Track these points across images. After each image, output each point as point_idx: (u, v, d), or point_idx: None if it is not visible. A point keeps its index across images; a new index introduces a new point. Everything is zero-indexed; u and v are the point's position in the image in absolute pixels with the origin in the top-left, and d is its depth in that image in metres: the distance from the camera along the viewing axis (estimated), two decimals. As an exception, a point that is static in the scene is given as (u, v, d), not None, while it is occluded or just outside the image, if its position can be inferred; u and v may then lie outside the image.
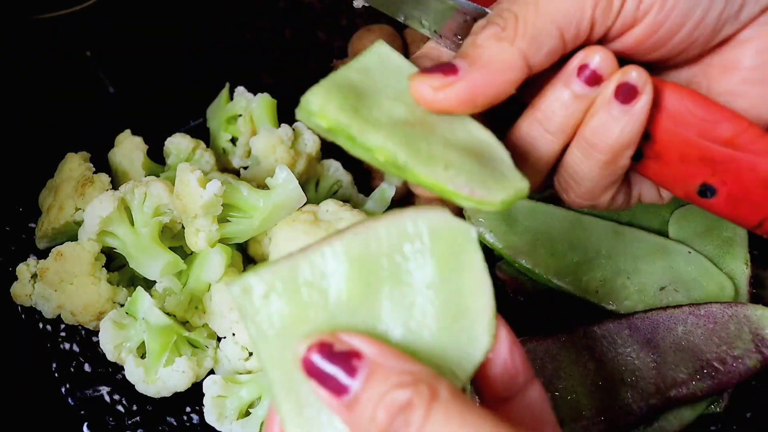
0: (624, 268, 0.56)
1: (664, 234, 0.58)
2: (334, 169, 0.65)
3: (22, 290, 0.57)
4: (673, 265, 0.56)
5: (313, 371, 0.27)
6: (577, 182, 0.39)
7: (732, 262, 0.57)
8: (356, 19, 0.87)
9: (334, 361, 0.27)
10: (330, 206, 0.56)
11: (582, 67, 0.35)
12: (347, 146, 0.32)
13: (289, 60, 0.81)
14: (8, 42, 0.71)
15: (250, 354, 0.55)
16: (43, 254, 0.59)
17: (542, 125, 0.37)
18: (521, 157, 0.38)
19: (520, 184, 0.32)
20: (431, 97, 0.34)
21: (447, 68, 0.34)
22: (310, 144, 0.63)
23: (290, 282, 0.28)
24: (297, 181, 0.55)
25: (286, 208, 0.55)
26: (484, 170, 0.32)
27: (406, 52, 0.76)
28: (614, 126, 0.35)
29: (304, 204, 0.56)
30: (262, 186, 0.58)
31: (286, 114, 0.67)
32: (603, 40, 0.37)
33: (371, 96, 0.34)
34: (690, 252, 0.56)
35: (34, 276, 0.57)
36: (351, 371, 0.27)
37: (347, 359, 0.27)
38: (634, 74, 0.35)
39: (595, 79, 0.35)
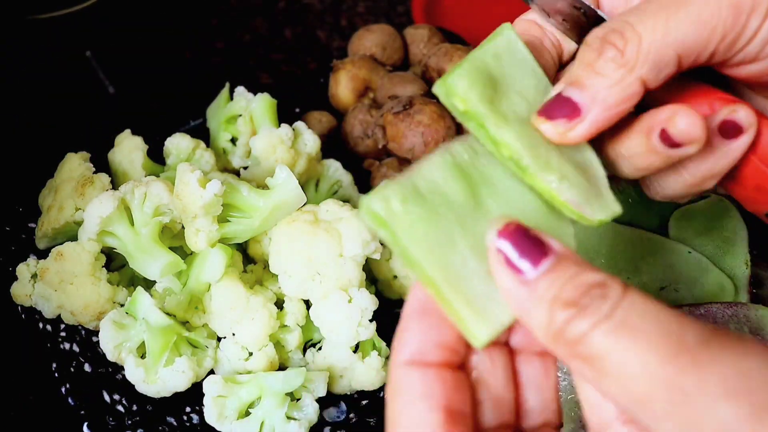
0: (624, 268, 0.56)
1: (664, 234, 0.58)
2: (334, 169, 0.65)
3: (22, 290, 0.57)
4: (673, 264, 0.56)
5: (502, 245, 0.28)
6: (663, 188, 0.39)
7: (732, 262, 0.57)
8: (356, 19, 0.87)
9: (527, 240, 0.28)
10: (330, 206, 0.57)
11: (663, 133, 0.34)
12: (477, 133, 0.34)
13: (289, 60, 0.81)
14: (8, 42, 0.71)
15: (250, 354, 0.55)
16: (43, 254, 0.59)
17: (629, 161, 0.37)
18: (613, 168, 0.39)
19: (615, 207, 0.34)
20: (558, 138, 0.35)
21: (569, 111, 0.34)
22: (310, 144, 0.63)
23: (415, 191, 0.31)
24: (297, 181, 0.55)
25: (286, 208, 0.55)
26: (590, 187, 0.34)
27: (406, 51, 0.76)
28: (710, 157, 0.36)
29: (304, 204, 0.56)
30: (262, 186, 0.58)
31: (286, 114, 0.67)
32: (714, 65, 0.37)
33: (502, 87, 0.36)
34: (690, 252, 0.56)
35: (34, 276, 0.57)
36: (541, 254, 0.28)
37: (539, 243, 0.28)
38: (742, 114, 0.35)
39: (674, 144, 0.35)
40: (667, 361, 0.24)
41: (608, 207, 0.34)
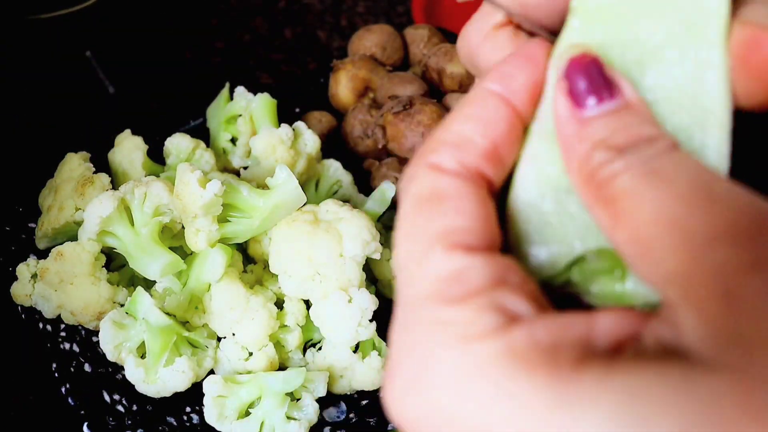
0: (623, 266, 0.56)
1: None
2: (334, 169, 0.65)
3: (22, 290, 0.57)
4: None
5: (571, 73, 0.27)
6: None
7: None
8: (356, 19, 0.87)
9: (598, 76, 0.26)
10: (330, 206, 0.57)
11: None
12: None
13: (289, 60, 0.81)
14: (8, 42, 0.71)
15: (250, 354, 0.55)
16: (43, 254, 0.59)
17: None
18: None
19: None
20: None
21: None
22: (310, 144, 0.63)
23: None
24: (297, 181, 0.55)
25: (286, 208, 0.55)
26: None
27: (406, 51, 0.76)
28: None
29: (304, 204, 0.56)
30: (262, 186, 0.58)
31: (286, 114, 0.67)
32: None
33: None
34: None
35: (34, 276, 0.57)
36: (608, 94, 0.26)
37: (610, 83, 0.26)
38: None
39: None
40: (680, 203, 0.22)
41: None
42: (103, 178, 0.59)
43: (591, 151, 0.25)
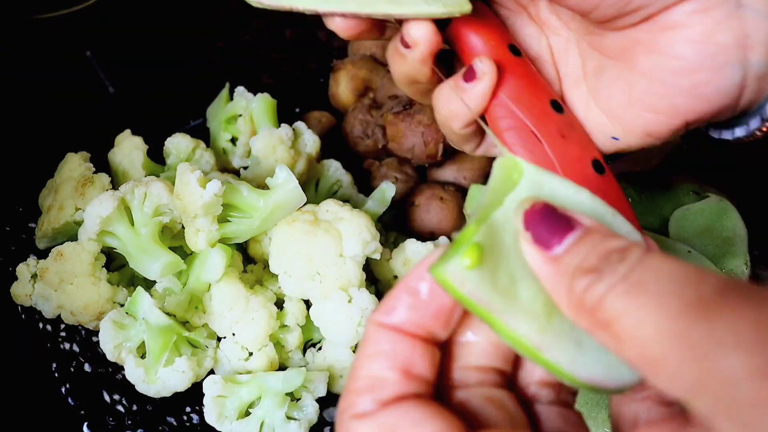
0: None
1: (664, 234, 0.58)
2: (334, 169, 0.65)
3: (22, 290, 0.57)
4: (673, 265, 0.56)
5: (530, 223, 0.28)
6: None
7: (732, 262, 0.57)
8: (356, 19, 0.87)
9: (554, 218, 0.28)
10: (330, 206, 0.56)
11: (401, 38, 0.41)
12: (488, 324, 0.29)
13: (289, 60, 0.81)
14: (8, 42, 0.71)
15: (250, 354, 0.55)
16: (43, 254, 0.59)
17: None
18: None
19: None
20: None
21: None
22: (310, 144, 0.63)
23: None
24: (297, 181, 0.55)
25: (286, 208, 0.55)
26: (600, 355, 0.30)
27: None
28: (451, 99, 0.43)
29: (304, 204, 0.56)
30: (262, 186, 0.58)
31: (286, 114, 0.67)
32: None
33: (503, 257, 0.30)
34: (690, 252, 0.56)
35: (34, 276, 0.57)
36: (568, 229, 0.27)
37: (567, 219, 0.28)
38: (479, 63, 0.41)
39: (407, 45, 0.41)
40: (677, 316, 0.23)
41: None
42: (103, 178, 0.59)
43: (571, 282, 0.26)
